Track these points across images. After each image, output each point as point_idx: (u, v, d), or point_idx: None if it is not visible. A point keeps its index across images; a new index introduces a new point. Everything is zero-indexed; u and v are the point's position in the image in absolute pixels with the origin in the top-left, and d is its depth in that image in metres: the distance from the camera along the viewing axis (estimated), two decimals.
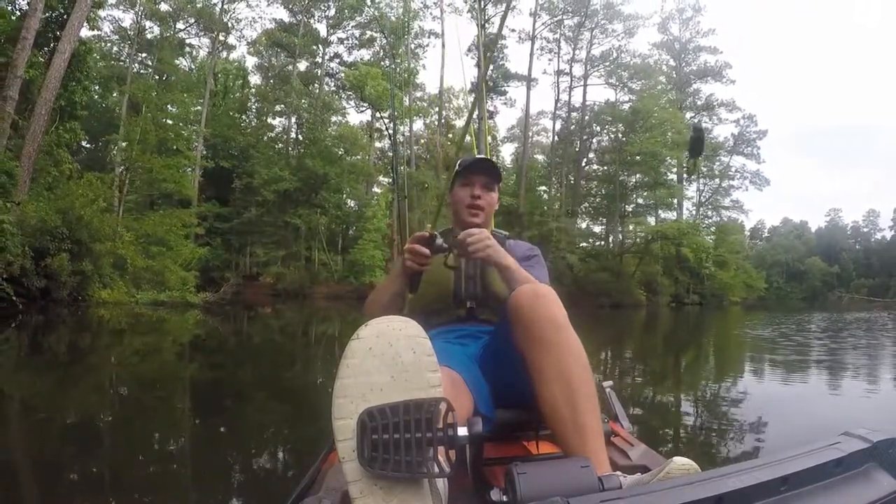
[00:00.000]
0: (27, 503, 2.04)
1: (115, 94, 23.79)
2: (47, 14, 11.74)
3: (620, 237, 33.59)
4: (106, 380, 4.70)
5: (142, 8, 25.31)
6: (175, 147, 21.33)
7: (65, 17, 11.95)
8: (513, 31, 31.93)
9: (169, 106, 23.02)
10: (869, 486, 0.63)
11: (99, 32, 19.98)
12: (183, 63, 29.10)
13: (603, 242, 34.01)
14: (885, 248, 58.95)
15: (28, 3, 11.46)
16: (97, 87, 21.70)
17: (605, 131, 33.35)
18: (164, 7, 26.68)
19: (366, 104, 28.86)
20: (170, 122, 22.78)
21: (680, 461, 0.77)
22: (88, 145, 24.58)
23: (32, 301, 9.65)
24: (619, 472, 0.87)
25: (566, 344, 1.04)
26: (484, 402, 1.11)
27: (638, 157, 30.05)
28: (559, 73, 32.81)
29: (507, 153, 39.14)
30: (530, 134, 36.70)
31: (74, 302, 10.81)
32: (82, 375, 4.75)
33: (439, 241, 1.35)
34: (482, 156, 1.64)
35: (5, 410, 3.49)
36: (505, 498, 0.70)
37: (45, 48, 12.25)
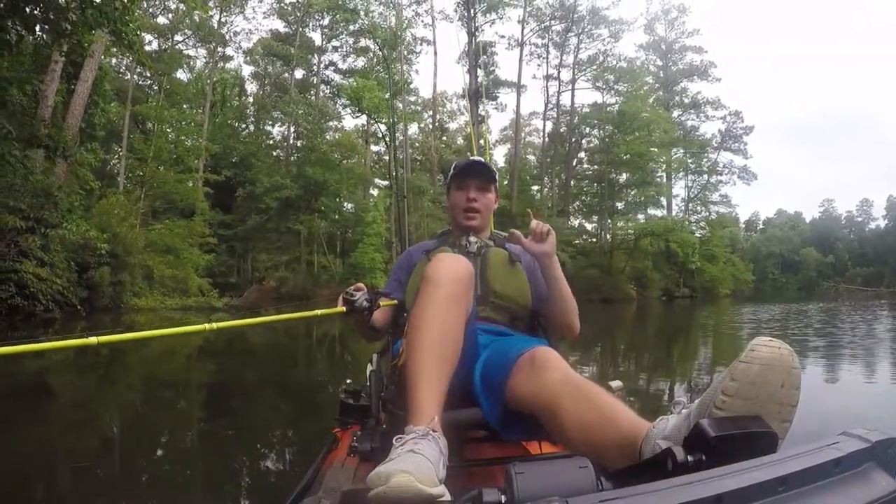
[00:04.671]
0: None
1: (112, 104, 24.16)
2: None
3: (610, 235, 34.47)
4: (136, 373, 5.69)
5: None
6: (176, 157, 21.92)
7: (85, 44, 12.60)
8: (502, 37, 32.77)
9: (177, 121, 23.64)
10: (868, 487, 0.63)
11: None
12: (181, 75, 29.60)
13: (595, 239, 34.93)
14: (879, 236, 58.19)
15: (40, 29, 12.18)
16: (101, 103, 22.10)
17: (594, 133, 34.24)
18: (161, 21, 27.23)
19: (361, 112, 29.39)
20: (172, 135, 23.42)
21: (763, 339, 0.78)
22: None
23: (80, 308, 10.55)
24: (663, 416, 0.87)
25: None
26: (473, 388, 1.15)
27: (626, 157, 30.91)
28: (548, 77, 33.79)
29: (499, 155, 40.04)
30: (522, 135, 37.60)
31: (116, 308, 11.75)
32: (128, 368, 5.73)
33: (361, 300, 1.40)
34: (475, 158, 1.66)
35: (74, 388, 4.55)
36: (503, 498, 0.69)
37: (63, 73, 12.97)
